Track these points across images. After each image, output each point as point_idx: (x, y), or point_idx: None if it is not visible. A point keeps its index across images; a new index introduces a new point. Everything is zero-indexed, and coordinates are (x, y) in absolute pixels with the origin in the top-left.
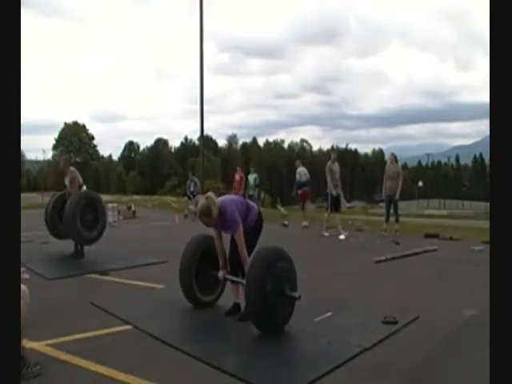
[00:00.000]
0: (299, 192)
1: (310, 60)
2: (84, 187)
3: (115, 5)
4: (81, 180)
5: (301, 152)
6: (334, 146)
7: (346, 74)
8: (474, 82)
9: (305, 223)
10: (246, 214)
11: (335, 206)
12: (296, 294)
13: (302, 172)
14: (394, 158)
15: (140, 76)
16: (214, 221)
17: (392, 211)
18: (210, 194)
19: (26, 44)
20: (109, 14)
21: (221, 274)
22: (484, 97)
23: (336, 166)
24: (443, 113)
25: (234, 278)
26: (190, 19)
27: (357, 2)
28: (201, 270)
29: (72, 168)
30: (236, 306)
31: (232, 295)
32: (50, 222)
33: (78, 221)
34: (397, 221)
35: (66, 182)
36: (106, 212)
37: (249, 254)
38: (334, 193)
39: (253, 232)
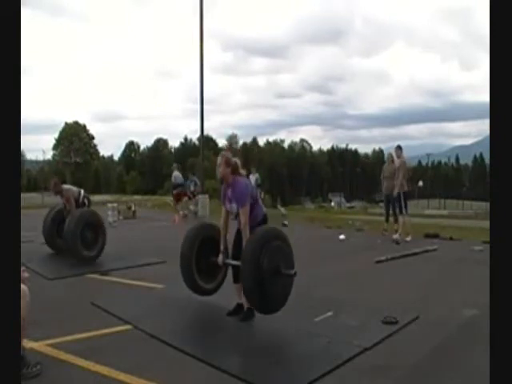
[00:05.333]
0: (174, 192)
1: (314, 59)
2: (82, 192)
3: (117, 4)
4: (75, 191)
5: (301, 152)
6: (335, 146)
7: (349, 73)
8: (477, 82)
9: (177, 217)
10: (253, 202)
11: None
12: (292, 271)
13: (177, 176)
14: (392, 159)
15: (142, 75)
16: (226, 172)
17: (391, 211)
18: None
19: (27, 43)
20: (111, 14)
21: (220, 258)
22: (487, 96)
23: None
24: (445, 112)
25: (234, 262)
26: (192, 18)
27: (362, 1)
28: (201, 256)
29: (65, 187)
30: (239, 306)
31: (236, 295)
32: (49, 236)
33: (79, 240)
34: (396, 220)
35: (63, 200)
36: (105, 231)
37: None
38: (407, 189)
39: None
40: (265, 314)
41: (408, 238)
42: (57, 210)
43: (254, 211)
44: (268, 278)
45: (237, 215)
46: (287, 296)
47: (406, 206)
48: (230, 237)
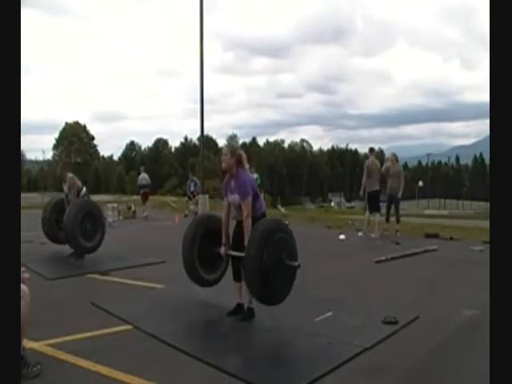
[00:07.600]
0: (141, 192)
1: (315, 59)
2: (84, 189)
3: (119, 3)
4: (79, 184)
5: (301, 152)
6: (335, 146)
7: (351, 73)
8: (478, 81)
9: (145, 214)
10: (255, 195)
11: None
12: (295, 263)
13: (143, 177)
14: (396, 159)
15: (142, 75)
16: (232, 163)
17: (393, 211)
18: None
19: (27, 43)
20: (112, 13)
21: (222, 249)
22: (488, 96)
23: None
24: (446, 112)
25: (236, 253)
26: (194, 18)
27: (364, 1)
28: (203, 247)
29: (70, 174)
30: (239, 306)
31: (235, 295)
32: (48, 227)
33: (78, 231)
34: (397, 221)
35: (65, 188)
36: (104, 222)
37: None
38: (377, 188)
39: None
40: (267, 305)
41: (373, 235)
42: (55, 202)
43: (256, 203)
44: (271, 269)
45: (238, 210)
46: (290, 286)
47: (374, 205)
48: (230, 229)
